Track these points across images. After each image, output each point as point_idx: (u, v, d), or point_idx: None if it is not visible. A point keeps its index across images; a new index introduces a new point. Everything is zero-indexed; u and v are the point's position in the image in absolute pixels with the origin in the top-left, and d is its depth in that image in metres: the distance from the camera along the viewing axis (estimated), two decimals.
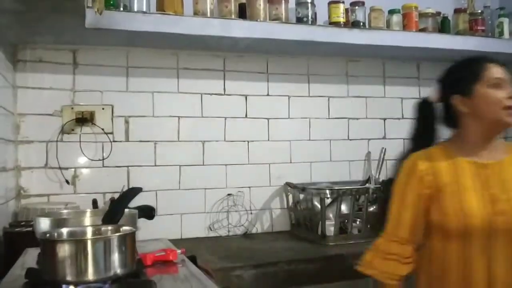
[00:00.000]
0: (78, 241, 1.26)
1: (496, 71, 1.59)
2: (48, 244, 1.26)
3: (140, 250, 1.56)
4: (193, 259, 1.74)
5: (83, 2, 1.92)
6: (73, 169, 2.52)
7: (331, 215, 2.51)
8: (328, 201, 2.50)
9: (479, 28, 2.95)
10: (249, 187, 2.81)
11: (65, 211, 1.94)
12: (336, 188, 2.49)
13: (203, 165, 2.75)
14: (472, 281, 1.49)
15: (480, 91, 1.56)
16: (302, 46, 2.66)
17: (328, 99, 2.99)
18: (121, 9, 2.26)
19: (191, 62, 2.73)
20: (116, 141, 2.58)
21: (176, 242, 2.08)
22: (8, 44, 2.31)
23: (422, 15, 2.85)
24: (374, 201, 2.56)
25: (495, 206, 1.50)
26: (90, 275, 1.21)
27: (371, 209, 2.54)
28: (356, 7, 2.71)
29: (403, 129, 3.16)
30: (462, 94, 1.60)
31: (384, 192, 2.45)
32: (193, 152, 2.73)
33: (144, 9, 2.30)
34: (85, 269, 1.20)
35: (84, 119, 2.51)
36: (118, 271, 1.24)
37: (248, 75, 2.84)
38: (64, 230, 1.38)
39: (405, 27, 2.80)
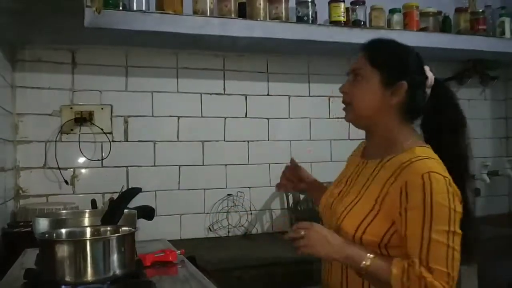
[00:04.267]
0: (77, 242, 1.26)
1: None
2: (47, 245, 1.26)
3: (140, 251, 1.56)
4: (192, 260, 1.73)
5: (82, 1, 1.91)
6: (72, 169, 2.51)
7: None
8: None
9: (480, 27, 2.95)
10: (249, 187, 2.80)
11: (64, 211, 1.95)
12: None
13: (203, 165, 2.73)
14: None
15: None
16: (302, 46, 2.64)
17: (329, 99, 2.98)
18: (120, 8, 2.25)
19: (191, 62, 2.72)
20: (115, 141, 2.57)
21: (176, 243, 2.07)
22: (6, 44, 2.29)
23: (423, 15, 2.85)
24: None
25: (329, 200, 1.53)
26: (89, 275, 1.21)
27: None
28: (357, 6, 2.70)
29: None
30: None
31: None
32: (192, 152, 2.71)
33: (144, 9, 2.29)
34: (84, 269, 1.20)
35: (83, 119, 2.49)
36: (117, 271, 1.24)
37: (248, 74, 2.83)
38: (63, 231, 1.39)
39: (406, 26, 2.79)
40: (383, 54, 1.45)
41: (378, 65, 1.42)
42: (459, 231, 1.28)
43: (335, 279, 1.45)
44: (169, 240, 2.18)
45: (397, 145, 1.41)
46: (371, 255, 1.30)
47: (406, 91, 1.41)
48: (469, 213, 1.38)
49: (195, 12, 2.38)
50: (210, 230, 2.73)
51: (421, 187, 1.27)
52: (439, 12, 2.93)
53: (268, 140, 2.86)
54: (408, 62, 1.44)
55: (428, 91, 1.48)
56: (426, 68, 1.48)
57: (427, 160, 1.33)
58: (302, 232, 1.34)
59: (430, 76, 1.47)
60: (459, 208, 1.30)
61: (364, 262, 1.29)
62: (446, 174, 1.31)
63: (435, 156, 1.37)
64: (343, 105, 1.50)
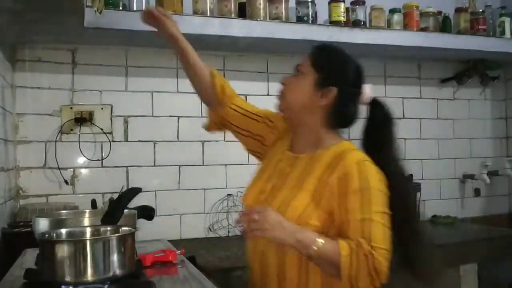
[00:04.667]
0: (77, 242, 1.26)
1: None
2: (47, 245, 1.26)
3: (140, 251, 1.56)
4: (192, 260, 1.73)
5: (82, 1, 1.91)
6: (72, 169, 2.51)
7: None
8: None
9: (480, 27, 2.95)
10: None
11: (64, 211, 1.94)
12: None
13: (203, 165, 2.73)
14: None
15: None
16: (302, 46, 2.62)
17: None
18: (120, 8, 2.25)
19: None
20: (115, 141, 2.57)
21: (176, 243, 2.07)
22: (7, 44, 2.30)
23: (423, 14, 2.85)
24: None
25: (260, 196, 1.52)
26: (89, 275, 1.20)
27: None
28: (357, 6, 2.70)
29: (404, 129, 3.16)
30: None
31: None
32: (192, 152, 2.71)
33: (144, 9, 2.28)
34: (84, 269, 1.20)
35: (83, 119, 2.50)
36: (117, 271, 1.23)
37: (248, 74, 2.83)
38: (63, 231, 1.38)
39: (406, 26, 2.80)
40: (325, 58, 1.52)
41: (317, 67, 1.50)
42: (389, 211, 1.37)
43: (271, 281, 1.46)
44: (169, 240, 2.18)
45: (325, 142, 1.50)
46: (320, 240, 1.32)
47: (335, 97, 1.47)
48: (409, 209, 1.52)
49: (195, 12, 2.38)
50: (210, 230, 2.73)
51: (358, 174, 1.37)
52: (439, 12, 2.94)
53: None
54: (344, 72, 1.51)
55: (363, 106, 1.55)
56: (366, 86, 1.54)
57: (358, 151, 1.46)
58: (256, 216, 1.34)
59: (367, 93, 1.54)
60: (387, 191, 1.39)
61: (314, 247, 1.31)
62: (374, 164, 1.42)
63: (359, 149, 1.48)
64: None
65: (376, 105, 1.56)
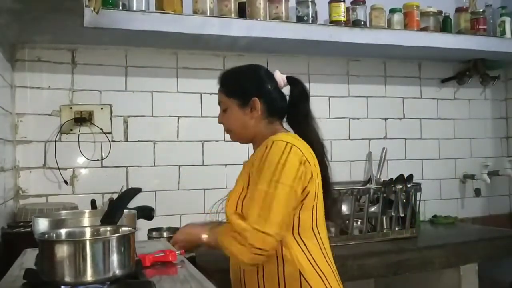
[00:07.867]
0: (76, 242, 1.25)
1: None
2: (46, 245, 1.25)
3: (139, 251, 1.55)
4: (192, 260, 1.73)
5: (81, 1, 1.90)
6: (71, 169, 2.51)
7: None
8: None
9: (480, 27, 2.95)
10: None
11: (63, 211, 1.93)
12: (337, 188, 2.46)
13: (203, 165, 2.73)
14: None
15: None
16: (302, 45, 2.64)
17: (329, 99, 2.98)
18: (120, 8, 2.25)
19: (191, 62, 2.71)
20: (115, 141, 2.57)
21: None
22: (6, 44, 2.29)
23: (423, 14, 2.85)
24: (375, 201, 2.54)
25: None
26: (89, 276, 1.20)
27: (372, 209, 2.53)
28: (357, 6, 2.70)
29: (405, 129, 3.17)
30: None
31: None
32: (192, 152, 2.71)
33: (143, 8, 2.29)
34: (83, 270, 1.19)
35: (83, 119, 2.49)
36: (117, 272, 1.23)
37: None
38: (63, 231, 1.37)
39: (406, 26, 2.80)
40: (231, 84, 1.72)
41: (232, 94, 1.70)
42: (285, 181, 1.49)
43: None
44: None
45: (266, 138, 1.63)
46: (205, 235, 1.70)
47: (261, 102, 1.66)
48: (326, 179, 1.68)
49: (195, 12, 2.38)
50: None
51: (263, 151, 1.54)
52: (440, 12, 2.94)
53: None
54: (250, 81, 1.70)
55: (288, 88, 1.74)
56: (276, 74, 1.73)
57: (282, 135, 1.60)
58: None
59: (279, 78, 1.72)
60: (293, 162, 1.51)
61: (203, 238, 1.71)
62: (294, 142, 1.55)
63: (296, 136, 1.63)
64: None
65: (292, 82, 1.73)
